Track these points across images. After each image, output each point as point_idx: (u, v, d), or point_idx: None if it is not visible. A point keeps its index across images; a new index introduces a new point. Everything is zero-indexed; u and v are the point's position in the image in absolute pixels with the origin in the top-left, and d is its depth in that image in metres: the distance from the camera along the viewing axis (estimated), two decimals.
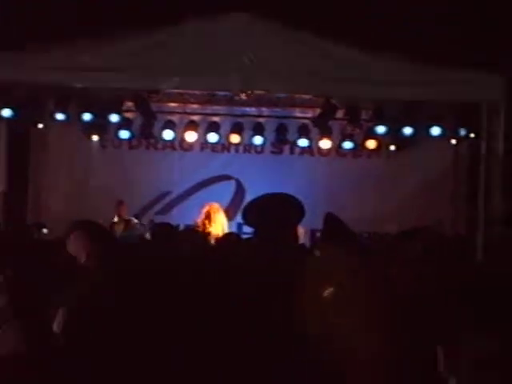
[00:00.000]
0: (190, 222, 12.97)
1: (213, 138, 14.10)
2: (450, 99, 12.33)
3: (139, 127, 13.97)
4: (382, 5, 12.09)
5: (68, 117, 13.41)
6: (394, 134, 13.72)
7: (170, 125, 14.03)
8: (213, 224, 12.51)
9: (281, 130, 14.11)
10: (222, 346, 4.35)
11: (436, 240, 4.42)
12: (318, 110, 13.59)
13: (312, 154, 14.66)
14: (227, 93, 13.36)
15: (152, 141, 14.53)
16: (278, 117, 14.30)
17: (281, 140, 14.28)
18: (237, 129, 14.03)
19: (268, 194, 5.01)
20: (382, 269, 4.21)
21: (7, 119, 13.05)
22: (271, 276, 4.52)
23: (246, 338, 4.29)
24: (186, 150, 14.72)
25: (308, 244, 11.25)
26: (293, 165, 14.65)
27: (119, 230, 12.74)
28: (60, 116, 13.36)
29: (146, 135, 14.18)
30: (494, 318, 2.85)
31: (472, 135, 13.28)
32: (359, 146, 14.19)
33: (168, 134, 14.05)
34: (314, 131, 13.88)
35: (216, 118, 14.24)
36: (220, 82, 12.14)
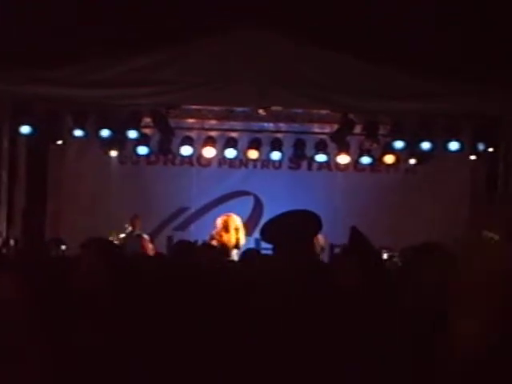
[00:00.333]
0: (208, 237, 12.96)
1: (231, 153, 14.11)
2: (468, 113, 12.34)
3: (157, 143, 14.01)
4: (399, 19, 12.08)
5: (86, 133, 13.45)
6: (411, 149, 13.67)
7: (188, 141, 14.05)
8: (230, 235, 12.46)
9: (298, 146, 14.08)
10: (240, 359, 4.34)
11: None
12: (336, 126, 13.60)
13: (330, 169, 14.63)
14: (245, 108, 13.43)
15: (170, 157, 14.55)
16: (295, 132, 14.29)
17: (299, 155, 14.26)
18: (255, 144, 14.03)
19: (284, 212, 5.02)
20: None
21: (26, 136, 13.14)
22: (293, 289, 4.52)
23: (267, 349, 4.29)
24: (203, 165, 14.73)
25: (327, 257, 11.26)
26: (311, 180, 14.62)
27: (131, 242, 12.68)
28: (78, 132, 13.41)
29: (164, 151, 14.20)
30: None
31: (490, 149, 13.23)
32: (377, 161, 14.14)
33: (186, 150, 14.07)
34: (332, 146, 13.86)
35: (234, 134, 14.26)
36: (236, 97, 12.23)
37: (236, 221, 12.67)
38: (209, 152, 14.13)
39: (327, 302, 4.45)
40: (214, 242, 12.16)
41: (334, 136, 13.67)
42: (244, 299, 4.83)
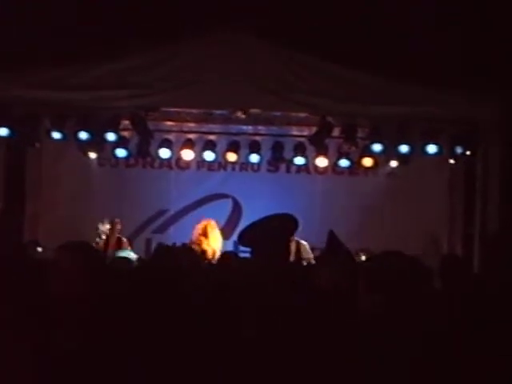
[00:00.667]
0: (187, 241, 12.95)
1: (209, 156, 14.12)
2: (446, 117, 12.42)
3: (136, 146, 13.97)
4: (378, 24, 12.15)
5: (64, 136, 13.40)
6: (390, 152, 13.73)
7: (166, 143, 14.04)
8: (209, 240, 12.49)
9: (277, 148, 14.09)
10: (220, 362, 4.36)
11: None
12: (314, 128, 13.62)
13: (308, 172, 14.66)
14: (224, 111, 13.44)
15: (149, 159, 14.52)
16: (274, 135, 14.28)
17: (277, 158, 14.27)
18: (233, 147, 14.04)
19: (263, 217, 5.05)
20: None
21: (4, 138, 13.09)
22: (271, 291, 4.54)
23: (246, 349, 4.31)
24: (182, 168, 14.72)
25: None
26: (289, 183, 14.64)
27: (111, 247, 12.66)
28: (56, 135, 13.36)
29: (143, 154, 14.16)
30: None
31: (468, 153, 13.31)
32: (355, 164, 14.17)
33: (165, 153, 14.06)
34: (310, 149, 13.88)
35: (212, 137, 14.25)
36: (216, 100, 12.25)
37: (215, 228, 12.73)
38: (187, 155, 14.12)
39: (304, 304, 4.47)
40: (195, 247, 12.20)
41: (312, 139, 13.70)
42: (221, 300, 4.84)
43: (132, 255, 10.71)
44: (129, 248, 12.44)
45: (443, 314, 4.32)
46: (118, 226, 12.97)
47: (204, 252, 12.22)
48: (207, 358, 4.43)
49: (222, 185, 14.74)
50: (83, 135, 13.30)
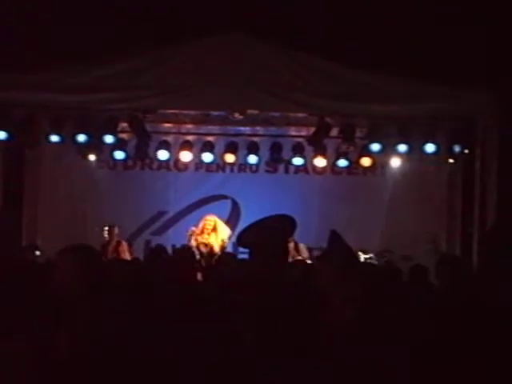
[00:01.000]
0: (190, 232, 12.96)
1: (207, 157, 14.11)
2: (443, 115, 12.42)
3: (134, 148, 13.94)
4: (376, 22, 12.15)
5: (63, 138, 13.38)
6: (388, 152, 13.73)
7: (164, 145, 14.03)
8: (217, 234, 12.66)
9: (275, 149, 14.09)
10: (216, 367, 4.36)
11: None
12: (313, 129, 13.61)
13: (307, 172, 14.67)
14: (222, 112, 13.43)
15: (147, 161, 14.52)
16: (272, 135, 14.28)
17: (275, 159, 14.26)
18: (231, 148, 14.03)
19: (261, 218, 5.05)
20: None
21: (3, 141, 13.08)
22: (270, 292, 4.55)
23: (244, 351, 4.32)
24: (180, 170, 14.73)
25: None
26: (288, 183, 14.65)
27: (110, 251, 12.71)
28: (55, 138, 13.34)
29: (141, 156, 14.14)
30: None
31: (466, 151, 13.31)
32: (354, 164, 14.17)
33: (163, 155, 14.05)
34: (309, 149, 13.87)
35: (210, 138, 14.25)
36: (215, 101, 12.24)
37: (222, 225, 12.91)
38: (186, 156, 14.11)
39: (304, 304, 4.47)
40: (198, 241, 12.39)
41: (310, 139, 13.69)
42: (217, 301, 4.85)
43: None
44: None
45: (438, 316, 4.32)
46: (116, 231, 13.02)
47: (211, 247, 12.40)
48: (207, 359, 4.43)
49: (221, 186, 14.74)
50: (81, 138, 13.28)
